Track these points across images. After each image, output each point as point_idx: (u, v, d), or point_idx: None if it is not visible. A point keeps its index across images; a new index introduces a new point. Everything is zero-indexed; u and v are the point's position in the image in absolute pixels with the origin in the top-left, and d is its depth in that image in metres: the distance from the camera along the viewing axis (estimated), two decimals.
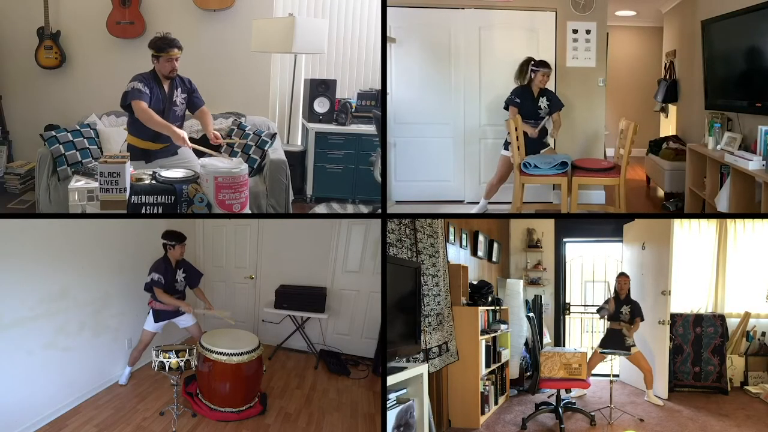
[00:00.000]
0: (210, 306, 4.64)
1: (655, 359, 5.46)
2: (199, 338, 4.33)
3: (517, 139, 4.95)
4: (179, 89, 4.19)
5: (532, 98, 5.13)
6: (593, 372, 5.29)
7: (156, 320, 4.35)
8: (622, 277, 5.46)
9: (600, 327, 7.27)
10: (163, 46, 4.05)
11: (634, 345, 5.28)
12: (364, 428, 4.00)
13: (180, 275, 4.39)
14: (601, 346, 5.34)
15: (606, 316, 5.42)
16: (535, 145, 5.11)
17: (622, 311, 5.35)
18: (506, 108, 5.20)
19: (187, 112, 4.37)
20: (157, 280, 4.24)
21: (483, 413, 4.75)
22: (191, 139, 4.32)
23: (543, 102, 5.11)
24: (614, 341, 5.27)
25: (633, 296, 5.46)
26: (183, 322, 4.50)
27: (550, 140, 5.26)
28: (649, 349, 5.55)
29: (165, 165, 4.16)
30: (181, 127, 4.26)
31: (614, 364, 5.10)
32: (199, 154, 4.19)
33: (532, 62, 5.12)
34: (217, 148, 4.26)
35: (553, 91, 5.32)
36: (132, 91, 3.95)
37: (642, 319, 5.32)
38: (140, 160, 4.15)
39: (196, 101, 4.32)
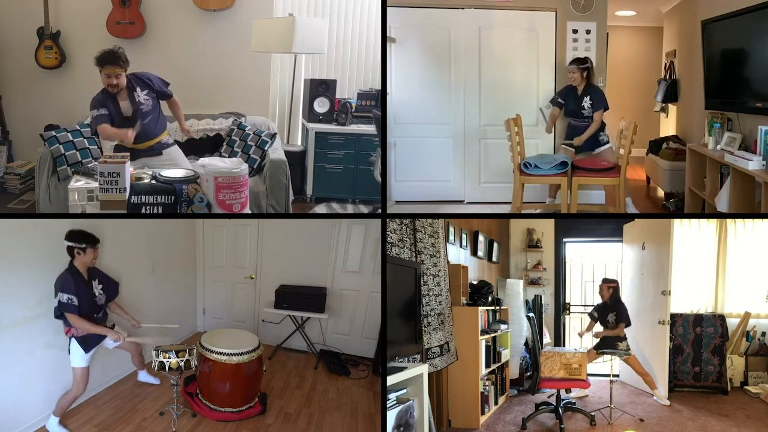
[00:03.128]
0: (137, 321, 3.91)
1: (655, 359, 5.46)
2: (138, 353, 4.14)
3: (518, 139, 4.95)
4: (137, 89, 4.23)
5: (575, 97, 5.20)
6: (591, 372, 5.27)
7: (86, 350, 3.53)
8: (603, 283, 5.47)
9: (600, 327, 7.28)
10: (101, 61, 4.10)
11: (628, 349, 5.27)
12: (364, 428, 4.00)
13: (97, 288, 3.60)
14: (596, 348, 5.33)
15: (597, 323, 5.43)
16: (587, 143, 5.19)
17: (608, 319, 5.34)
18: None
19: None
20: (66, 302, 3.37)
21: (483, 413, 4.75)
22: (176, 142, 4.37)
23: (586, 101, 5.15)
24: (606, 347, 5.25)
25: (633, 297, 5.45)
26: (112, 342, 3.72)
27: (604, 136, 5.25)
28: (649, 350, 5.55)
29: (150, 164, 4.21)
30: (156, 120, 4.33)
31: (614, 364, 5.10)
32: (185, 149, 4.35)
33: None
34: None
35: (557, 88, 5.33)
36: (93, 120, 4.17)
37: (627, 324, 5.31)
38: None
39: (159, 94, 4.34)
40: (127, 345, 3.89)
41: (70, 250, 3.52)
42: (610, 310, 5.36)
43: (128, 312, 3.92)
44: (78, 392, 3.61)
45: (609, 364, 5.14)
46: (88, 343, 3.55)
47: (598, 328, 5.53)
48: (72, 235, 3.51)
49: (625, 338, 5.32)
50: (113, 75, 4.09)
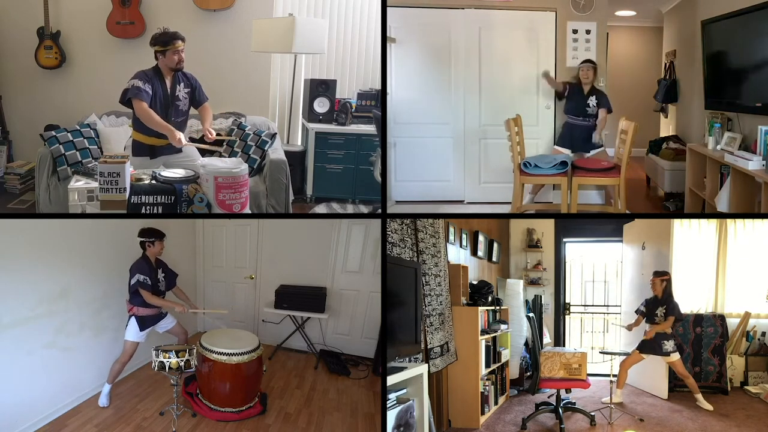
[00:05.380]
0: (194, 305, 4.43)
1: (656, 359, 5.45)
2: (184, 337, 4.33)
3: (518, 139, 4.95)
4: (182, 84, 4.20)
5: (581, 95, 5.24)
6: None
7: (141, 328, 4.02)
8: (655, 276, 5.21)
9: (600, 327, 7.29)
10: (167, 39, 4.08)
11: (674, 351, 5.12)
12: (364, 428, 4.00)
13: (160, 276, 4.13)
14: (639, 349, 5.18)
15: (644, 320, 5.22)
16: (584, 143, 5.20)
17: (657, 313, 5.13)
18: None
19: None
20: (143, 281, 3.97)
21: (483, 413, 4.75)
22: (191, 139, 4.34)
23: (592, 101, 5.20)
24: (651, 346, 5.12)
25: (633, 297, 5.41)
26: (163, 326, 4.20)
27: (597, 138, 5.30)
28: None
29: (169, 161, 4.18)
30: (185, 122, 4.29)
31: (614, 364, 5.09)
32: (202, 152, 4.22)
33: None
34: (217, 145, 4.28)
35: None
36: (132, 89, 3.97)
37: (678, 318, 5.12)
38: (145, 156, 4.18)
39: (198, 97, 4.32)
40: (175, 330, 4.26)
41: (142, 244, 4.08)
42: (660, 305, 5.14)
43: (189, 297, 4.40)
44: (124, 360, 4.05)
45: (609, 364, 5.13)
46: (145, 323, 4.03)
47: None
48: (142, 232, 4.07)
49: (672, 337, 5.14)
50: (180, 49, 4.10)
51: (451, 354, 4.38)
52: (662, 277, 5.19)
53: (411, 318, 3.49)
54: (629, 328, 5.40)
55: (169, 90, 4.14)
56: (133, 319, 4.01)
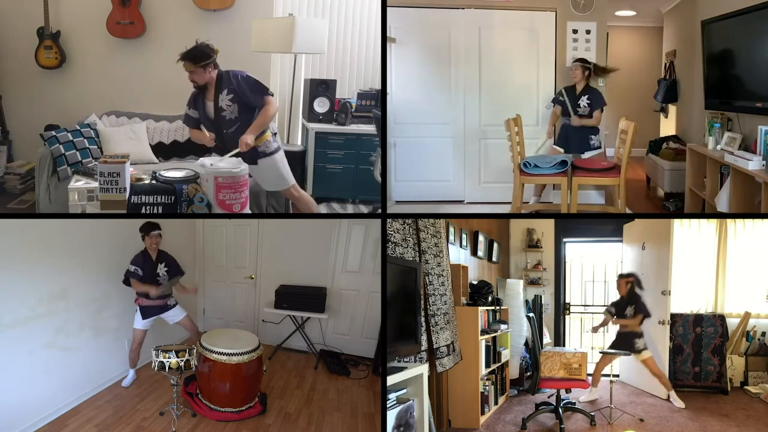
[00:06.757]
0: (194, 289, 4.73)
1: (655, 359, 5.46)
2: (195, 332, 4.46)
3: (518, 139, 4.95)
4: (224, 92, 4.11)
5: (574, 96, 5.26)
6: (591, 372, 5.25)
7: (144, 317, 4.30)
8: (620, 279, 5.40)
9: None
10: (182, 56, 4.07)
11: (645, 348, 5.18)
12: (364, 428, 4.00)
13: (162, 269, 4.30)
14: (612, 347, 5.26)
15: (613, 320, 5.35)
16: (580, 144, 5.21)
17: (626, 313, 5.26)
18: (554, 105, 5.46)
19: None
20: (133, 271, 4.21)
21: (483, 413, 4.75)
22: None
23: (583, 101, 5.22)
24: (623, 344, 5.19)
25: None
26: (172, 318, 4.43)
27: (595, 141, 5.32)
28: (650, 349, 5.54)
29: None
30: (238, 131, 4.16)
31: (614, 364, 5.10)
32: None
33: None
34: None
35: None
36: (185, 118, 4.30)
37: (646, 316, 5.22)
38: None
39: (253, 97, 4.13)
40: (185, 322, 4.48)
41: (141, 237, 4.28)
42: (628, 304, 5.26)
43: (186, 287, 4.59)
44: (134, 347, 4.37)
45: (609, 364, 5.13)
46: (146, 312, 4.30)
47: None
48: (140, 227, 4.26)
49: (642, 335, 5.20)
50: (188, 71, 4.08)
51: (456, 354, 4.38)
52: (627, 279, 5.35)
53: (411, 318, 3.49)
54: (595, 330, 5.58)
55: (213, 103, 4.12)
56: (138, 308, 4.30)
